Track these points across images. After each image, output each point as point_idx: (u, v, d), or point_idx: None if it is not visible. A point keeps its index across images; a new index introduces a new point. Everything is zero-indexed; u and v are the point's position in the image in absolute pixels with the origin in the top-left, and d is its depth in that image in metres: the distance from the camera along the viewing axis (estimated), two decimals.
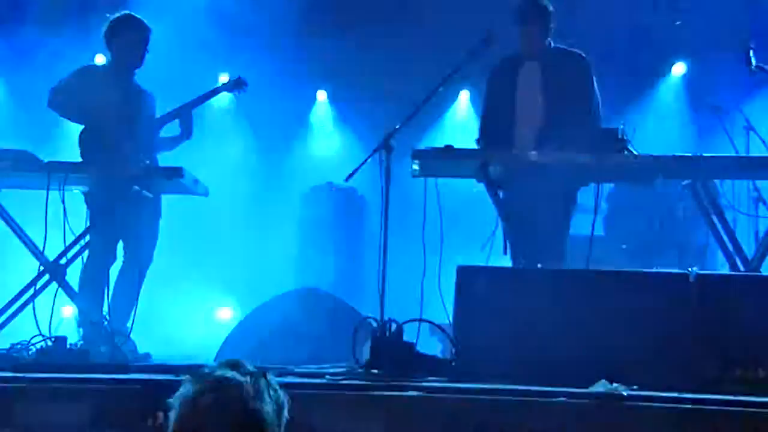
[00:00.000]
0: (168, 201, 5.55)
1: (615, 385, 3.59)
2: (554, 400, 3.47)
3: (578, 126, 4.86)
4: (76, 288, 5.16)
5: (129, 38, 5.33)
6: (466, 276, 4.25)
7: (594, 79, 5.19)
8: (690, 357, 3.89)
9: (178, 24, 6.89)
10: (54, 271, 5.10)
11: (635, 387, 3.59)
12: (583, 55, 5.23)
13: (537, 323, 4.07)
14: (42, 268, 5.12)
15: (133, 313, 5.04)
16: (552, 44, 5.26)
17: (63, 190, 4.98)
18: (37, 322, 4.88)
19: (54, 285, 5.09)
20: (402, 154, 4.86)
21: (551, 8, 5.20)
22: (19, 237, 5.26)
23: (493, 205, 4.97)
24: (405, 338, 4.31)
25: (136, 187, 5.04)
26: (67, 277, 5.15)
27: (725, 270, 4.94)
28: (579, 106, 5.04)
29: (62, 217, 4.97)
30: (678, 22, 7.89)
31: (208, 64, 7.95)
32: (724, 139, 6.03)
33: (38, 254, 5.15)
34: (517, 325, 4.08)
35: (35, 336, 4.70)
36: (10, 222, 5.27)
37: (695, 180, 4.83)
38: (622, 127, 4.66)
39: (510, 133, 5.15)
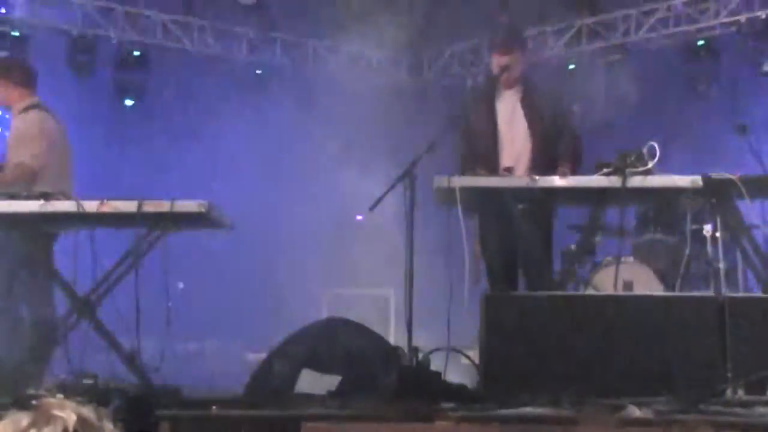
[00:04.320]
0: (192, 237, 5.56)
1: (644, 409, 3.53)
2: (583, 426, 3.42)
3: (563, 141, 4.90)
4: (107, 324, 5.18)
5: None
6: (492, 304, 4.23)
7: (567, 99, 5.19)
8: (721, 380, 3.83)
9: None
10: (84, 307, 5.13)
11: (664, 411, 3.53)
12: (555, 82, 5.25)
13: (565, 349, 4.03)
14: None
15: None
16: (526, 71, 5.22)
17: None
18: (70, 359, 4.91)
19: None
20: (426, 180, 4.86)
21: (527, 36, 5.18)
22: (49, 274, 5.30)
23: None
24: (432, 367, 4.29)
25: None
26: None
27: (757, 292, 4.88)
28: (559, 124, 5.04)
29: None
30: (701, 42, 7.87)
31: None
32: (751, 158, 5.96)
33: (69, 290, 5.18)
34: (544, 351, 4.04)
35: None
36: None
37: (722, 200, 4.77)
38: (645, 149, 4.64)
39: (495, 160, 5.08)
